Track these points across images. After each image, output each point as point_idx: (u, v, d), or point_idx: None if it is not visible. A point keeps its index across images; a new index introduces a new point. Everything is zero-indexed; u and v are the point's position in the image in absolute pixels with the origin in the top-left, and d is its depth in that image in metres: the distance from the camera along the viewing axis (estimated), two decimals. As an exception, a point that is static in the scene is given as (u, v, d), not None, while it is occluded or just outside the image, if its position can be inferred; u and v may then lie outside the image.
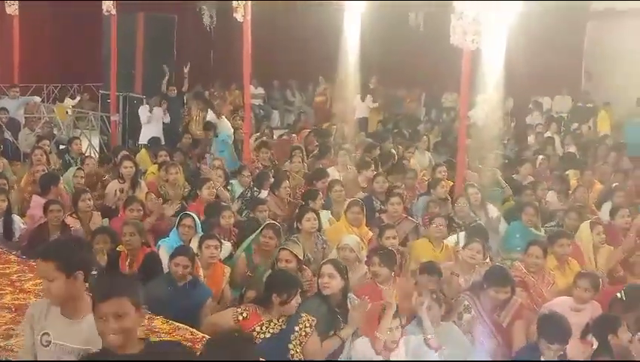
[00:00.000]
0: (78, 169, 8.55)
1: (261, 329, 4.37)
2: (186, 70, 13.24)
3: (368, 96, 15.66)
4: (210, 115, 11.92)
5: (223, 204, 7.53)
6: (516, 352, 4.89)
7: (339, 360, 4.56)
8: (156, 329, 4.55)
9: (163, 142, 11.62)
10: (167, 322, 4.66)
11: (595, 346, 4.94)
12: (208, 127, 11.59)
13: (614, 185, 8.93)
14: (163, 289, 5.20)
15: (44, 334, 3.30)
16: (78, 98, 15.26)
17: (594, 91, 15.92)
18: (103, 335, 2.93)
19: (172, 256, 5.36)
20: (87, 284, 3.37)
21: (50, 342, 3.28)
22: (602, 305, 5.41)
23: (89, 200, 7.16)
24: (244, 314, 4.50)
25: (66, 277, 3.21)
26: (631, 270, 6.24)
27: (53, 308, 3.33)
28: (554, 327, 4.57)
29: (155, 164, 9.71)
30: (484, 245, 6.09)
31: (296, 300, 4.43)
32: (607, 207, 8.04)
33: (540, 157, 10.70)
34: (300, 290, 4.49)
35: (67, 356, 3.26)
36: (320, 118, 14.88)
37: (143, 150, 10.69)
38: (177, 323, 4.64)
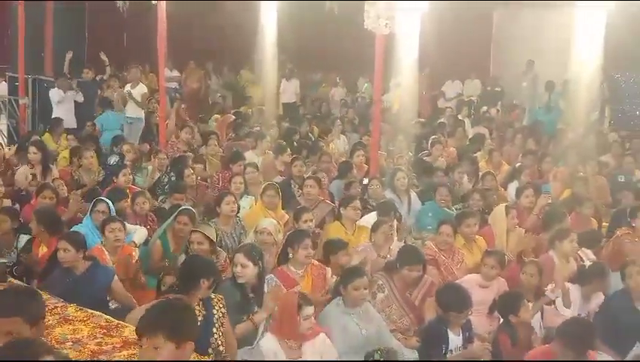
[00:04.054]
0: None
1: None
2: (103, 57, 13.05)
3: (294, 80, 15.63)
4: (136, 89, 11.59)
5: (138, 189, 7.45)
6: (424, 327, 5.08)
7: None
8: (70, 317, 4.48)
9: (75, 126, 11.34)
10: (80, 309, 4.59)
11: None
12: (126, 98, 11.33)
13: (518, 165, 9.29)
14: (65, 279, 5.05)
15: None
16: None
17: (502, 75, 16.56)
18: None
19: (83, 245, 5.14)
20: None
21: None
22: (508, 282, 5.69)
23: None
24: None
25: None
26: (535, 251, 6.49)
27: None
28: (452, 296, 4.83)
29: (67, 149, 9.49)
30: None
31: (199, 290, 4.28)
32: (513, 187, 8.38)
33: (433, 137, 10.95)
34: (211, 280, 4.33)
35: None
36: (195, 107, 14.28)
37: (47, 134, 10.37)
38: (91, 311, 4.57)
